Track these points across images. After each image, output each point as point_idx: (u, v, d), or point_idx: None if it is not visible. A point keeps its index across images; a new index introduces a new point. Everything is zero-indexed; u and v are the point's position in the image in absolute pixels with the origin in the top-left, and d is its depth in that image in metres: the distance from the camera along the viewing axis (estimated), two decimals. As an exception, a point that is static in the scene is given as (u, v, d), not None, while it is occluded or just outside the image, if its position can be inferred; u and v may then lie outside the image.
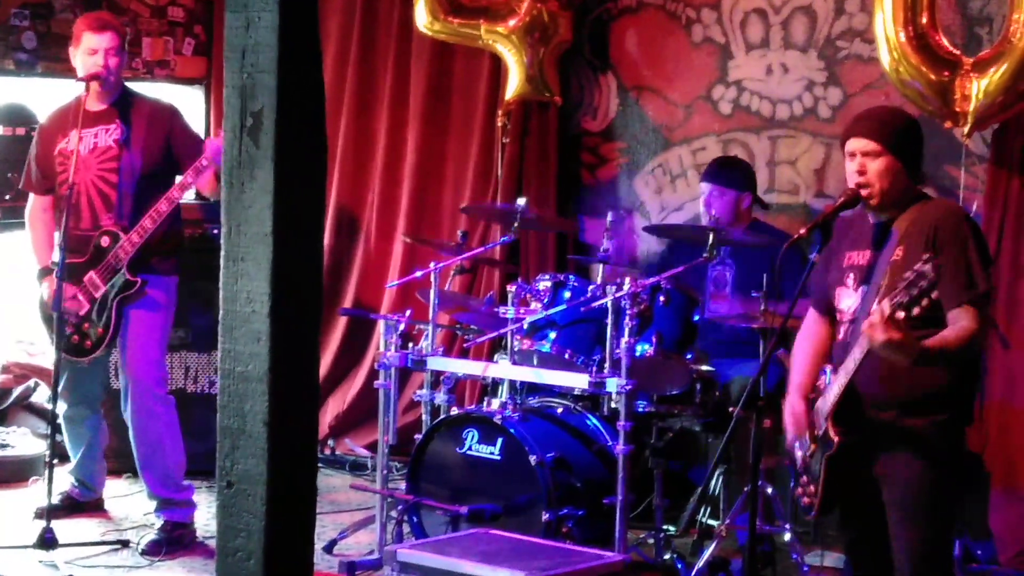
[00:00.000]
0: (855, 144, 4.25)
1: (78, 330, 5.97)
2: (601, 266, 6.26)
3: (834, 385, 4.19)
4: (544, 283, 5.87)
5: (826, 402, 4.22)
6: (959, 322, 4.08)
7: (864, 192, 4.23)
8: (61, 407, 6.16)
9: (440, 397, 6.00)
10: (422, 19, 7.54)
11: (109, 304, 5.92)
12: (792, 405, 4.38)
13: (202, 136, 6.97)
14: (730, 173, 6.42)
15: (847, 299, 4.31)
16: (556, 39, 7.43)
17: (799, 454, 4.38)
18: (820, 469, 4.24)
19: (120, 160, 5.95)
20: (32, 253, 6.24)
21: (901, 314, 3.84)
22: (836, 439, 4.17)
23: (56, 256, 5.90)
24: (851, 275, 4.31)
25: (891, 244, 4.21)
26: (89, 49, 5.95)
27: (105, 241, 5.92)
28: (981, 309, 4.13)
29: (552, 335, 5.75)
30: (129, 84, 6.27)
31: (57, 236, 6.04)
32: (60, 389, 5.99)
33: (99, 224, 5.95)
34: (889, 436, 4.18)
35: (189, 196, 7.22)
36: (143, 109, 6.08)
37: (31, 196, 6.24)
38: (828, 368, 4.29)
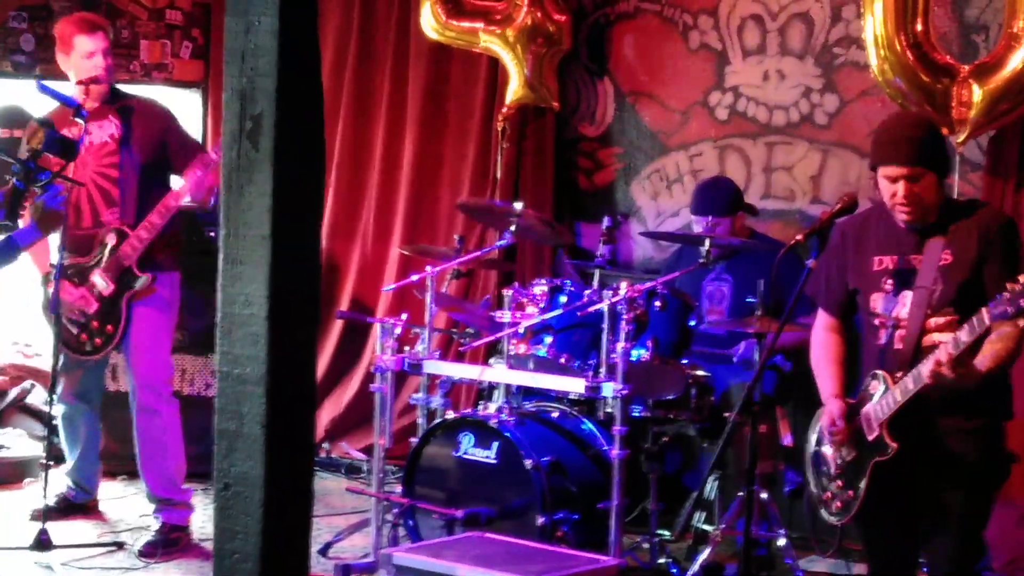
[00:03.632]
0: (896, 172, 4.25)
1: (85, 329, 5.95)
2: (597, 271, 6.27)
3: (890, 396, 4.23)
4: (540, 287, 5.88)
5: (881, 410, 4.25)
6: (1003, 327, 4.16)
7: (905, 214, 4.26)
8: (59, 408, 6.17)
9: (436, 401, 6.01)
10: (430, 22, 7.54)
11: (119, 302, 5.92)
12: (832, 411, 4.41)
13: (198, 138, 6.95)
14: (719, 200, 6.30)
15: (886, 303, 4.35)
16: (556, 45, 7.44)
17: (832, 460, 4.41)
18: (864, 475, 4.28)
19: (119, 155, 5.94)
20: (31, 258, 6.22)
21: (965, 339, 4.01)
22: (895, 444, 4.22)
23: (54, 257, 5.88)
24: (887, 279, 4.35)
25: (934, 247, 4.26)
26: (86, 52, 5.91)
27: (111, 239, 5.91)
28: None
29: (548, 339, 5.76)
30: (126, 86, 6.27)
31: (53, 237, 6.03)
32: (60, 389, 5.99)
33: (100, 221, 5.94)
34: (950, 436, 4.26)
35: (186, 199, 7.24)
36: (136, 105, 6.07)
37: None
38: (881, 374, 4.30)
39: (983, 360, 4.15)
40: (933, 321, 4.22)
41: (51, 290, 5.99)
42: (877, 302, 4.37)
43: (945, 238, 4.26)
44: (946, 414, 4.24)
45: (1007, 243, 4.27)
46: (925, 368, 4.11)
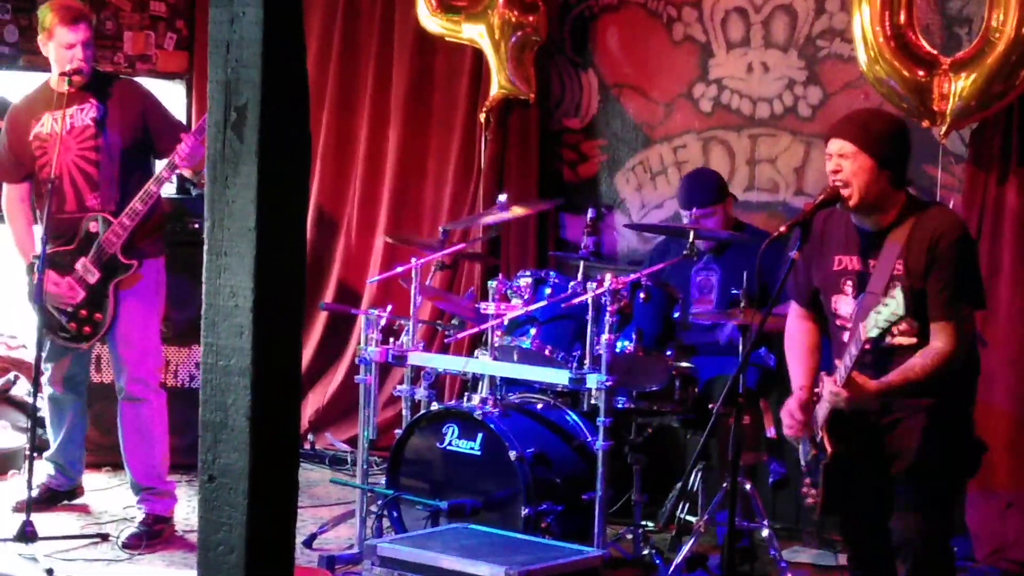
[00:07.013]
0: (833, 146, 4.29)
1: (74, 318, 5.93)
2: (582, 262, 6.27)
3: (824, 402, 4.26)
4: (525, 279, 5.88)
5: (822, 411, 4.27)
6: (934, 342, 4.17)
7: (844, 192, 4.26)
8: (48, 390, 6.16)
9: (420, 392, 6.01)
10: (425, 13, 7.53)
11: (106, 290, 5.90)
12: (790, 403, 4.42)
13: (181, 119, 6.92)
14: (707, 191, 6.29)
15: (846, 305, 4.34)
16: (534, 36, 7.42)
17: (803, 457, 4.44)
18: (820, 474, 4.31)
19: (99, 138, 5.91)
20: (15, 247, 6.19)
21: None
22: (830, 449, 4.23)
23: (38, 246, 5.84)
24: (847, 281, 4.34)
25: (889, 254, 4.23)
26: (65, 44, 5.86)
27: (94, 226, 5.88)
28: (960, 324, 4.20)
29: (532, 331, 5.76)
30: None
31: (37, 227, 6.01)
32: (48, 376, 5.99)
33: (85, 205, 5.91)
34: (891, 431, 4.26)
35: (171, 190, 7.23)
36: (115, 86, 6.05)
37: (5, 186, 6.18)
38: (824, 376, 4.32)
39: (890, 374, 4.16)
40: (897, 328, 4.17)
41: (35, 280, 5.96)
42: (838, 303, 4.37)
43: (900, 246, 4.22)
44: (885, 411, 4.24)
45: (950, 256, 4.18)
46: (827, 390, 4.18)
